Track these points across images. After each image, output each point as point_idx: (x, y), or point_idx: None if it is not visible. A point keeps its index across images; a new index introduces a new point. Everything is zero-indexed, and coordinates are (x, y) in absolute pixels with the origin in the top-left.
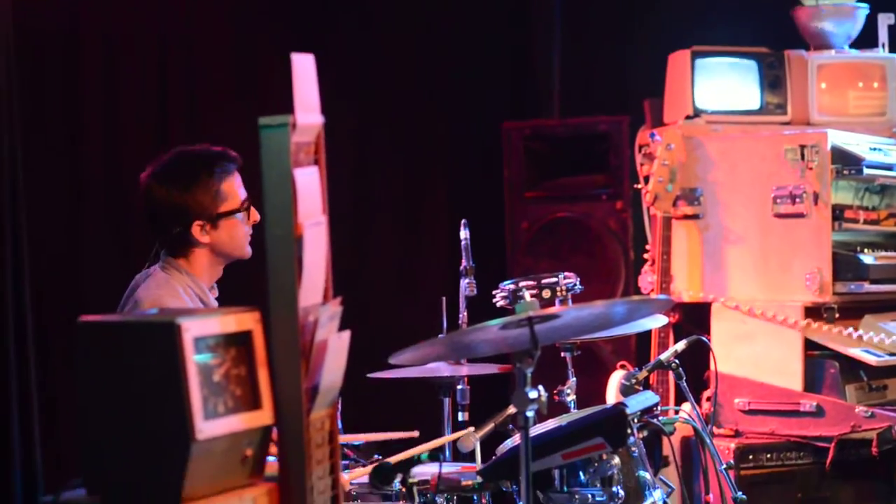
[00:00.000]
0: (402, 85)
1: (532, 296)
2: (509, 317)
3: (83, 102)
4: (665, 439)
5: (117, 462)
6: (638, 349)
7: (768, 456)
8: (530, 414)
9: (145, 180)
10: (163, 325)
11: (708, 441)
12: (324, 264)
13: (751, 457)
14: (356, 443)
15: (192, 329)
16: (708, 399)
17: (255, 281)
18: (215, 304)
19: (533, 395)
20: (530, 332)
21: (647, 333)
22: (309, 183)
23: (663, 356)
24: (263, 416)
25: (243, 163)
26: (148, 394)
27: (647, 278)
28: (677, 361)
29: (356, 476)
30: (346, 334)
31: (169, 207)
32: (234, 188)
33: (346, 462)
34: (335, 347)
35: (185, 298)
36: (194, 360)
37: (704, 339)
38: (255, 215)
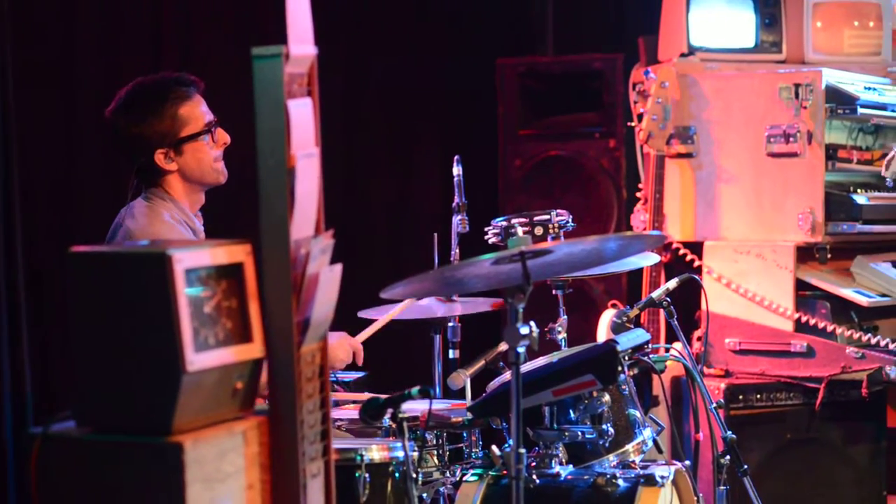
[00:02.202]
0: (395, 20)
1: (524, 232)
2: (501, 251)
3: (77, 37)
4: (655, 378)
5: (108, 394)
6: (629, 289)
7: (758, 396)
8: (521, 350)
9: (108, 116)
10: (154, 257)
11: (698, 380)
12: (316, 196)
13: (741, 397)
14: (346, 379)
15: (184, 261)
16: (699, 339)
17: (246, 213)
18: (202, 229)
19: (524, 330)
20: (522, 268)
21: (639, 274)
22: (302, 114)
23: (655, 294)
24: (254, 349)
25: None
26: (139, 325)
27: (640, 217)
28: (668, 300)
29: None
30: (338, 267)
31: (129, 139)
32: (195, 112)
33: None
34: (326, 280)
35: (173, 223)
36: (185, 291)
37: (696, 277)
38: (224, 136)
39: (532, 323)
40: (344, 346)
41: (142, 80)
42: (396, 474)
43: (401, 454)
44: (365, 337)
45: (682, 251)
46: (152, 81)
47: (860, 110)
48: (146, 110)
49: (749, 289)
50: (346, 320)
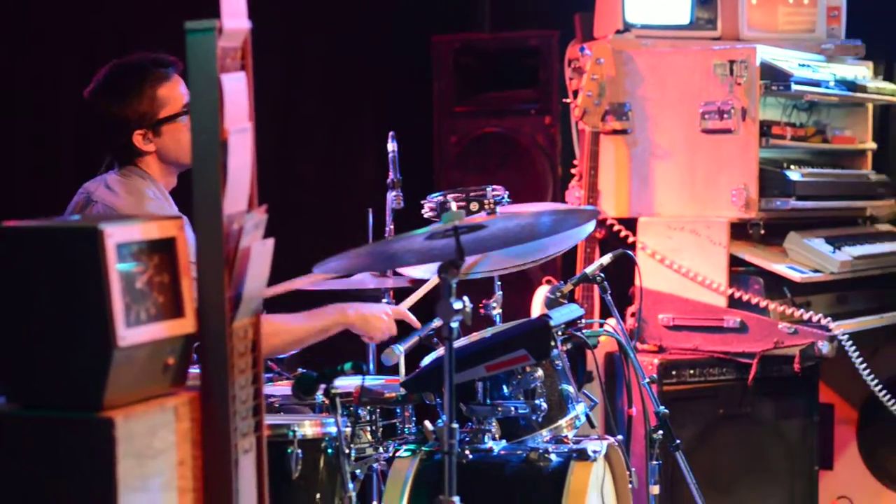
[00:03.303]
0: None
1: (459, 208)
2: (435, 226)
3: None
4: (589, 354)
5: (38, 369)
6: (564, 266)
7: (691, 372)
8: (455, 325)
9: (87, 97)
10: (85, 231)
11: (631, 355)
12: (249, 171)
13: (674, 372)
14: (280, 356)
15: (115, 235)
16: (633, 314)
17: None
18: (176, 210)
19: (458, 305)
20: (456, 242)
21: (574, 250)
22: (235, 89)
23: (588, 269)
24: (186, 325)
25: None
26: (70, 300)
27: (575, 193)
28: (602, 275)
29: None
30: (270, 242)
31: (109, 120)
32: (174, 92)
33: (270, 375)
34: (259, 255)
35: (161, 200)
36: (117, 266)
37: (629, 253)
38: None
39: (465, 298)
40: (380, 318)
41: (120, 61)
42: (329, 450)
43: (333, 430)
44: (410, 304)
45: (616, 227)
46: (131, 62)
47: (794, 87)
48: (126, 91)
49: (683, 265)
50: (282, 296)
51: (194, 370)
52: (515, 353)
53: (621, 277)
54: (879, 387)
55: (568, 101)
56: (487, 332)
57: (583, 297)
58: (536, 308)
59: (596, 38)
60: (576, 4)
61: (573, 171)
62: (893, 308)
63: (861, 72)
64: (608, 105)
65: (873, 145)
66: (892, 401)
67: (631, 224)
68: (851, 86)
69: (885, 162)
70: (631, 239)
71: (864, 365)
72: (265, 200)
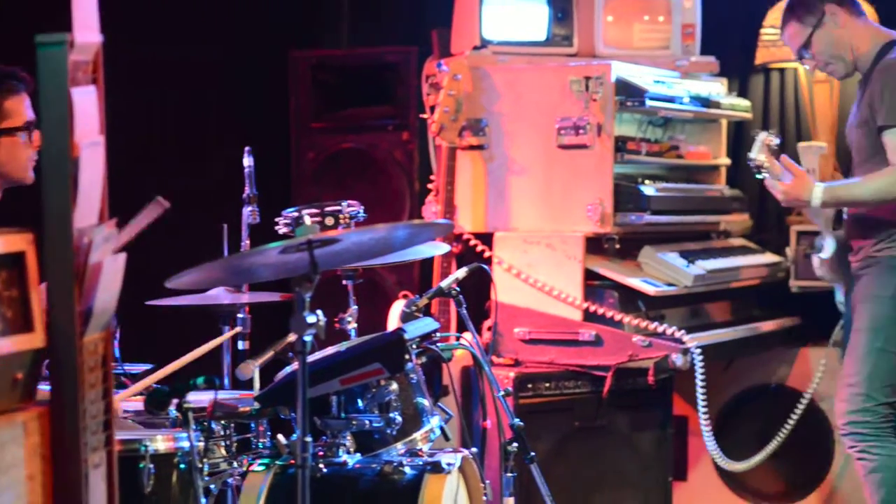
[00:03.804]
0: (188, 9)
1: (314, 223)
2: (288, 240)
3: None
4: (445, 367)
5: None
6: (421, 280)
7: (547, 385)
8: (308, 339)
9: None
10: None
11: (486, 368)
12: (100, 185)
13: (529, 385)
14: (134, 371)
15: None
16: (489, 328)
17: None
18: None
19: (311, 319)
20: (310, 256)
21: (431, 265)
22: (86, 102)
23: (444, 283)
24: (35, 339)
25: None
26: None
27: (432, 208)
28: (458, 289)
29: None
30: (122, 257)
31: None
32: (19, 108)
33: (122, 390)
34: (110, 270)
35: None
36: None
37: (484, 266)
38: (40, 140)
39: (319, 311)
40: None
41: None
42: (182, 465)
43: (186, 444)
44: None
45: (473, 242)
46: None
47: (649, 103)
48: None
49: (539, 279)
50: (134, 310)
51: (45, 386)
52: (370, 366)
53: (478, 291)
54: (705, 406)
55: (425, 116)
56: (343, 346)
57: (439, 312)
58: (393, 322)
59: (453, 55)
60: (433, 21)
61: (430, 186)
62: (747, 321)
63: (715, 88)
64: (465, 121)
65: (727, 161)
66: (708, 423)
67: (488, 239)
68: (705, 102)
69: (738, 177)
70: (487, 253)
71: (703, 381)
72: (121, 214)
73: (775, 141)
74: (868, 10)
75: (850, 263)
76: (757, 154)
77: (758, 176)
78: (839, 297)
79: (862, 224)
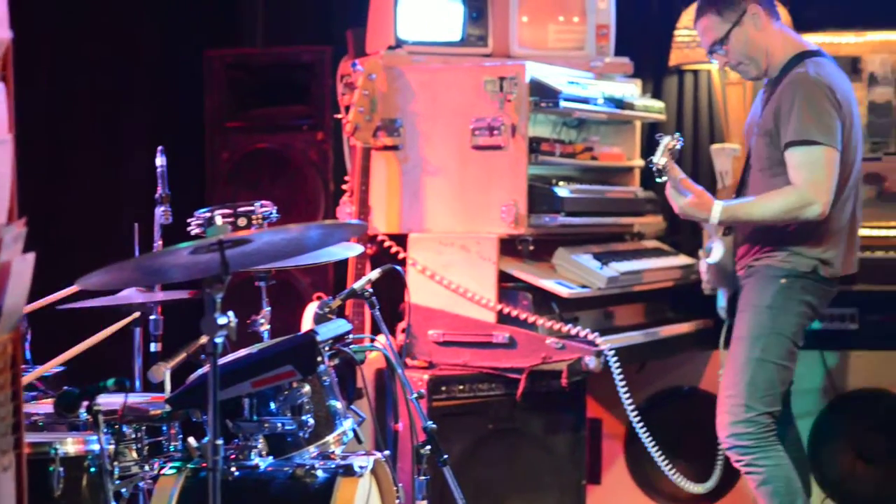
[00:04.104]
0: (102, 8)
1: (226, 223)
2: (199, 240)
3: None
4: (359, 370)
5: None
6: (336, 281)
7: (461, 387)
8: (219, 340)
9: None
10: None
11: (399, 370)
12: (8, 184)
13: (443, 388)
14: (46, 373)
15: None
16: (403, 330)
17: None
18: None
19: (222, 321)
20: (221, 257)
21: (346, 266)
22: None
23: (357, 285)
24: None
25: None
26: None
27: (346, 209)
28: (371, 291)
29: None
30: (31, 256)
31: None
32: None
33: (35, 393)
34: (18, 270)
35: None
36: None
37: (398, 267)
38: None
39: (230, 313)
40: None
41: None
42: (92, 468)
43: (96, 447)
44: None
45: (387, 243)
46: None
47: (563, 104)
48: None
49: (453, 280)
50: (44, 311)
51: None
52: (282, 368)
53: (393, 292)
54: (632, 406)
55: (339, 116)
56: (255, 348)
57: (354, 313)
58: (307, 324)
59: (368, 54)
60: (348, 20)
61: (345, 187)
62: (660, 323)
63: (630, 89)
64: (380, 121)
65: (641, 162)
66: (642, 422)
67: (402, 240)
68: (619, 103)
69: (652, 179)
70: (402, 255)
71: (623, 382)
72: (26, 213)
73: (678, 146)
74: (783, 14)
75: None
76: (659, 158)
77: (658, 179)
78: (721, 302)
79: (746, 232)
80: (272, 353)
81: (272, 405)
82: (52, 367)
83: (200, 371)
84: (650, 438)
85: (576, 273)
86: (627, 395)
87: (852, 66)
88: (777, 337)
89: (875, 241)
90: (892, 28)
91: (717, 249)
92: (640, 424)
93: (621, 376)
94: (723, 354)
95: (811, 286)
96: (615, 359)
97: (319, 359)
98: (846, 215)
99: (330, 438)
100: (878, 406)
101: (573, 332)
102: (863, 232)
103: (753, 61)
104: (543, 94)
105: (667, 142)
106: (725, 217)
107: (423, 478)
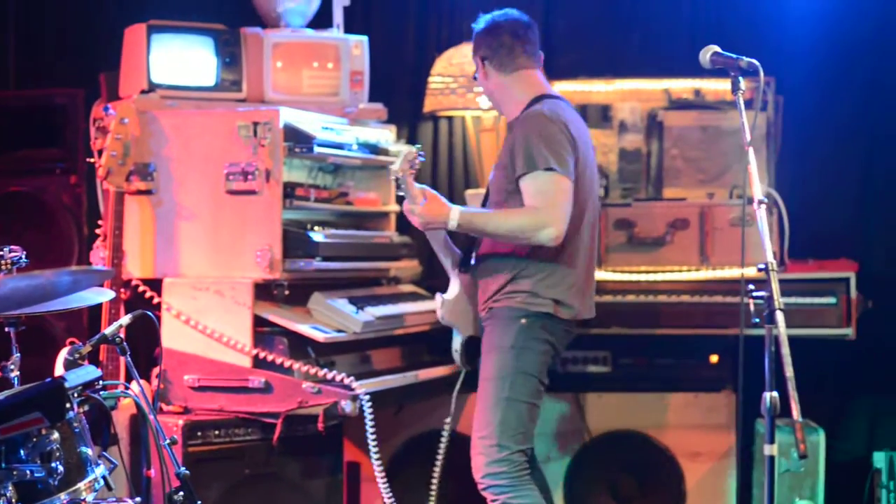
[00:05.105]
0: None
1: None
2: None
3: None
4: (113, 417)
5: None
6: (91, 327)
7: (216, 432)
8: None
9: None
10: None
11: (150, 416)
12: None
13: (199, 433)
14: None
15: None
16: (157, 376)
17: None
18: None
19: None
20: None
21: (100, 311)
22: None
23: (108, 330)
24: None
25: None
26: None
27: (100, 254)
28: (122, 336)
29: None
30: None
31: None
32: None
33: None
34: None
35: None
36: None
37: (150, 313)
38: None
39: None
40: None
41: None
42: None
43: None
44: None
45: (141, 288)
46: None
47: (317, 149)
48: None
49: (208, 325)
50: None
51: None
52: (30, 415)
53: (150, 338)
54: (377, 455)
55: (92, 160)
56: (2, 395)
57: (108, 359)
58: (59, 370)
59: (122, 98)
60: (102, 63)
61: (98, 231)
62: (417, 367)
63: (384, 135)
64: (133, 165)
65: (397, 207)
66: (383, 470)
67: (157, 284)
68: (374, 149)
69: (407, 223)
70: (156, 300)
71: (373, 428)
72: None
73: (418, 158)
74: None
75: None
76: (397, 167)
77: (399, 193)
78: (455, 345)
79: (485, 270)
80: (19, 399)
81: (21, 452)
82: None
83: None
84: (387, 486)
85: (332, 318)
86: (375, 441)
87: (603, 113)
88: (523, 376)
89: (626, 285)
90: (640, 76)
91: (452, 286)
92: (381, 472)
93: (372, 422)
94: (457, 399)
95: (550, 325)
96: (369, 404)
97: (68, 405)
98: (581, 259)
99: (81, 485)
100: (631, 447)
101: (329, 376)
102: (614, 277)
103: (494, 103)
104: (298, 140)
105: (406, 152)
106: (463, 221)
107: None
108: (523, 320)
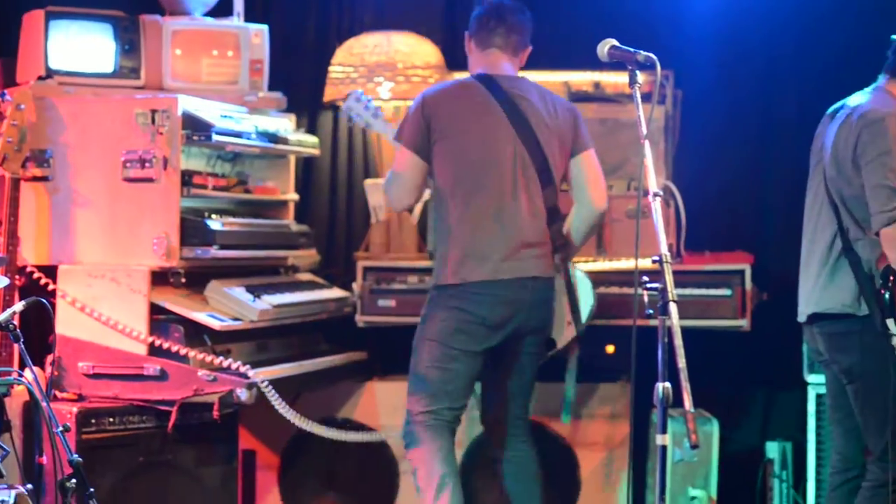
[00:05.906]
0: None
1: None
2: None
3: None
4: (6, 404)
5: None
6: None
7: (111, 420)
8: None
9: None
10: None
11: (43, 404)
12: None
13: (93, 421)
14: None
15: None
16: (52, 363)
17: None
18: None
19: None
20: None
21: None
22: None
23: (1, 317)
24: None
25: None
26: None
27: None
28: (15, 323)
29: None
30: None
31: None
32: None
33: None
34: None
35: None
36: None
37: (44, 300)
38: None
39: None
40: None
41: None
42: None
43: None
44: None
45: (36, 275)
46: None
47: (215, 137)
48: None
49: (103, 313)
50: None
51: None
52: None
53: (44, 325)
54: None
55: None
56: None
57: (1, 345)
58: None
59: (19, 84)
60: (1, 49)
61: None
62: (314, 355)
63: (284, 124)
64: (29, 151)
65: (295, 196)
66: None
67: (52, 272)
68: (273, 137)
69: (306, 212)
70: (52, 286)
71: (286, 408)
72: None
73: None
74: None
75: None
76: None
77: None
78: None
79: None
80: None
81: None
82: None
83: None
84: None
85: (228, 306)
86: (296, 417)
87: None
88: (426, 342)
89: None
90: (540, 69)
91: None
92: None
93: (280, 403)
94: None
95: (458, 293)
96: (271, 390)
97: None
98: (483, 223)
99: None
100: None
101: (225, 364)
102: None
103: None
104: (196, 128)
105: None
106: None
107: None
108: (434, 293)
